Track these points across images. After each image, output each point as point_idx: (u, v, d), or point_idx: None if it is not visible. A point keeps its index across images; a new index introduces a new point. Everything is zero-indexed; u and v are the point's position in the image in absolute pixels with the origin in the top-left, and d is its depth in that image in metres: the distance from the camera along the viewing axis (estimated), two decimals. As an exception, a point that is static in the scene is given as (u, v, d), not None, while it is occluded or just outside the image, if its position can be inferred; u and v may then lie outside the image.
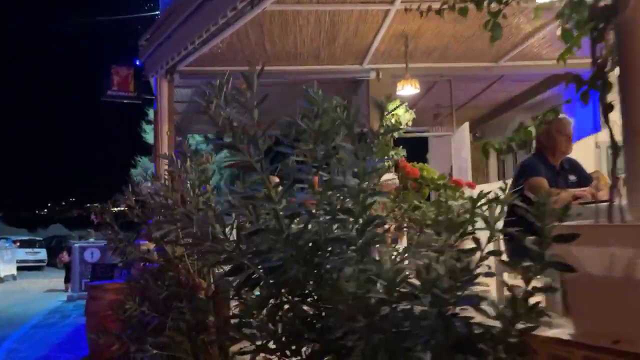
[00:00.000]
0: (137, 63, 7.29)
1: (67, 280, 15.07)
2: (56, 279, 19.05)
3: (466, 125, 7.42)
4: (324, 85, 1.91)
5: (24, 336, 8.14)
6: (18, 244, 23.01)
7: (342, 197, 1.92)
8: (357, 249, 1.86)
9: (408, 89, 6.57)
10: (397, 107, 6.22)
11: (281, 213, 2.02)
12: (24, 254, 23.95)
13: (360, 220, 1.82)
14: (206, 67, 7.13)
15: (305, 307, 2.02)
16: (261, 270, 2.11)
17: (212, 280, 4.52)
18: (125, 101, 7.21)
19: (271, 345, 1.88)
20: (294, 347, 1.94)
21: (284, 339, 1.95)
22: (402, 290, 1.68)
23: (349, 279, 1.86)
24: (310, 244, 2.04)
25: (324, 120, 1.91)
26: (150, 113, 20.35)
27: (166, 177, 5.47)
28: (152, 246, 5.07)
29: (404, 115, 6.38)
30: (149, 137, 19.58)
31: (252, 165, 1.93)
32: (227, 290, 4.63)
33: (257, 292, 2.09)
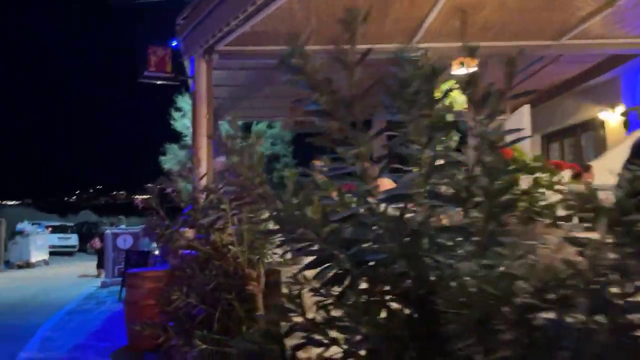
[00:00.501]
0: (174, 43, 7.02)
1: (99, 266, 15.11)
2: (87, 264, 19.21)
3: (526, 108, 6.92)
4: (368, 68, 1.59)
5: (59, 323, 8.03)
6: (50, 229, 23.33)
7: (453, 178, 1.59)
8: (481, 241, 1.49)
9: (462, 69, 6.10)
10: (449, 89, 5.78)
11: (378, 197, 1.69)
12: (56, 239, 24.30)
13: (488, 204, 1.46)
14: (246, 47, 6.80)
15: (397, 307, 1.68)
16: (349, 263, 1.78)
17: (262, 272, 4.23)
18: (161, 82, 6.95)
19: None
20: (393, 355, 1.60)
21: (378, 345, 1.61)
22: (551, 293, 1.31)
23: (466, 277, 1.48)
24: (413, 234, 1.69)
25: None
26: (180, 100, 20.29)
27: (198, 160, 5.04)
28: (192, 234, 4.80)
29: (458, 97, 5.93)
30: (179, 125, 19.48)
31: (346, 137, 1.59)
32: (278, 283, 4.31)
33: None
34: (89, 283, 13.71)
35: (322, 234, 1.82)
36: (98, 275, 15.01)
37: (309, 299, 4.20)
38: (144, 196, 5.35)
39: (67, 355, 6.02)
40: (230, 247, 4.36)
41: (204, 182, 6.23)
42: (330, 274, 1.81)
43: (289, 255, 4.58)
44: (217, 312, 4.19)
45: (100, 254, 15.07)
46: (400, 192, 1.75)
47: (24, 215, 30.34)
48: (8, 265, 19.70)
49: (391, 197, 1.76)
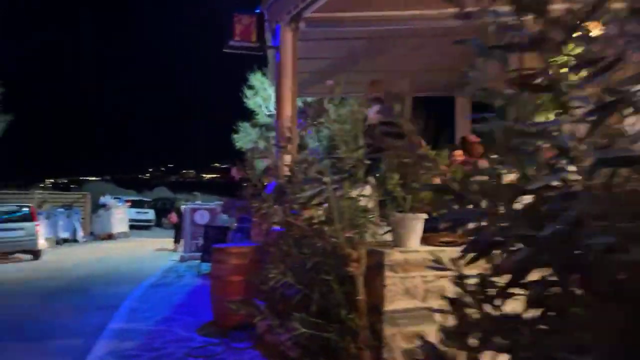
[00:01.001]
0: (258, 10, 6.73)
1: (176, 240, 15.52)
2: (164, 238, 19.89)
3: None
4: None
5: (144, 295, 8.17)
6: (130, 203, 24.36)
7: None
8: None
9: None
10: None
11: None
12: (135, 213, 25.39)
13: None
14: (336, 13, 6.40)
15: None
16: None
17: (363, 252, 3.88)
18: (246, 52, 6.70)
19: None
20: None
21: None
22: None
23: None
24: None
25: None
26: (252, 78, 20.33)
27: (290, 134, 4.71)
28: (282, 210, 4.51)
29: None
30: (251, 103, 19.52)
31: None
32: (380, 266, 3.93)
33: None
34: (166, 256, 14.10)
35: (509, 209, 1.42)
36: (175, 250, 15.43)
37: (420, 285, 3.70)
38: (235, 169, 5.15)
39: (154, 327, 6.03)
40: (327, 224, 4.05)
41: (288, 158, 5.95)
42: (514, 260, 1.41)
43: (389, 237, 4.21)
44: (314, 294, 3.91)
45: (177, 228, 15.46)
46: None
47: (105, 190, 32.06)
48: (92, 236, 20.82)
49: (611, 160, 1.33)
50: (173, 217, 15.54)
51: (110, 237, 20.58)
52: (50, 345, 5.74)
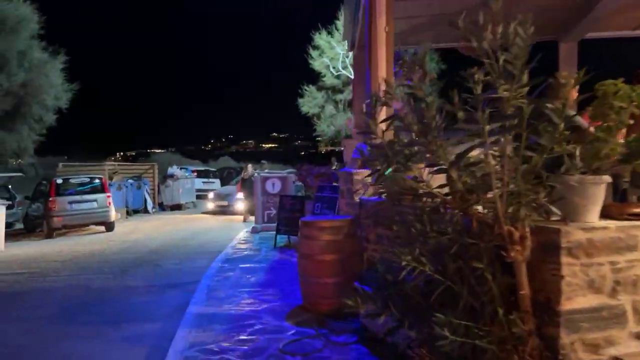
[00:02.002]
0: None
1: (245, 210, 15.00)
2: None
3: None
4: None
5: (220, 271, 7.55)
6: (196, 174, 24.28)
7: None
8: None
9: None
10: None
11: None
12: (201, 183, 25.31)
13: None
14: None
15: None
16: None
17: (527, 231, 2.84)
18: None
19: None
20: None
21: None
22: None
23: None
24: None
25: None
26: (318, 38, 19.16)
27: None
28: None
29: None
30: (317, 64, 18.47)
31: None
32: (554, 248, 2.93)
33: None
34: (237, 227, 13.62)
35: None
36: (244, 220, 14.95)
37: (609, 275, 2.50)
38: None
39: (237, 311, 5.32)
40: (473, 193, 3.02)
41: (382, 114, 4.94)
42: None
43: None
44: (461, 288, 2.94)
45: (245, 198, 14.93)
46: None
47: (172, 160, 32.40)
48: (161, 207, 20.88)
49: None
50: (239, 187, 15.00)
51: (178, 207, 20.54)
52: (125, 330, 5.16)
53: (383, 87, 5.49)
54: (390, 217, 4.50)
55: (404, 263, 2.89)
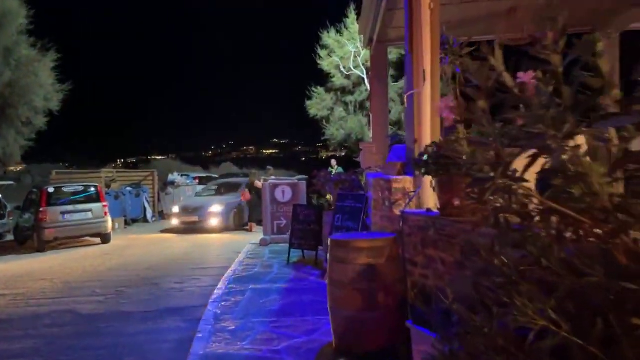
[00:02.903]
0: None
1: (251, 219, 14.05)
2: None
3: None
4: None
5: (228, 295, 6.58)
6: (197, 180, 23.34)
7: None
8: None
9: None
10: None
11: None
12: (203, 190, 24.37)
13: None
14: None
15: None
16: None
17: None
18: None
19: None
20: None
21: None
22: None
23: None
24: None
25: None
26: (325, 37, 18.27)
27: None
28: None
29: None
30: (325, 64, 17.56)
31: None
32: None
33: None
34: (243, 238, 12.65)
35: None
36: (250, 230, 13.99)
37: None
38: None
39: (253, 351, 4.35)
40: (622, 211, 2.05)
41: (427, 107, 4.03)
42: None
43: None
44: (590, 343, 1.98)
45: (250, 206, 13.97)
46: None
47: (172, 167, 31.47)
48: (162, 215, 19.91)
49: None
50: (246, 193, 14.05)
51: (180, 216, 19.58)
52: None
53: (427, 74, 4.52)
54: (449, 235, 3.54)
55: (521, 317, 1.92)
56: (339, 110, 17.49)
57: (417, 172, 4.23)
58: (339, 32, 17.29)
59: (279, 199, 10.96)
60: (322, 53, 17.51)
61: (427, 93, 4.75)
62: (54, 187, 13.10)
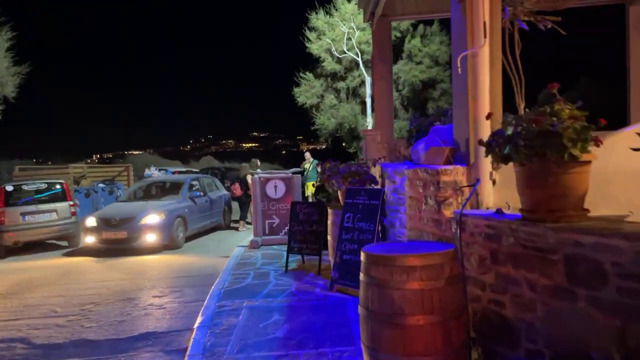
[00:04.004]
0: None
1: (242, 217, 12.80)
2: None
3: None
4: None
5: (219, 314, 5.38)
6: (176, 174, 21.92)
7: None
8: None
9: None
10: None
11: None
12: (183, 186, 22.95)
13: None
14: None
15: None
16: None
17: None
18: None
19: None
20: None
21: None
22: None
23: None
24: None
25: None
26: (314, 19, 16.98)
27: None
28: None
29: None
30: (314, 47, 16.31)
31: None
32: None
33: None
34: (230, 239, 11.40)
35: None
36: (239, 229, 12.74)
37: None
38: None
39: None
40: None
41: (484, 74, 2.91)
42: None
43: None
44: None
45: (241, 203, 12.71)
46: None
47: (150, 161, 29.93)
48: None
49: None
50: (237, 188, 12.76)
51: (158, 214, 18.18)
52: None
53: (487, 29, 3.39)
54: (543, 248, 2.43)
55: None
56: (330, 98, 16.30)
57: (489, 158, 3.08)
58: (328, 13, 16.07)
59: (271, 195, 9.74)
60: (311, 36, 16.25)
61: (485, 55, 3.60)
62: (13, 185, 11.64)
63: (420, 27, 16.33)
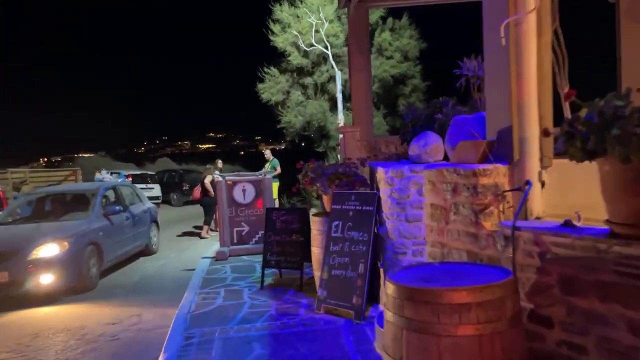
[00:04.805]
0: None
1: (206, 222, 11.76)
2: (178, 220, 16.22)
3: None
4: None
5: (185, 352, 4.43)
6: (131, 179, 20.54)
7: None
8: None
9: None
10: None
11: None
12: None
13: None
14: None
15: None
16: None
17: None
18: None
19: None
20: None
21: None
22: None
23: None
24: None
25: None
26: (278, 11, 16.10)
27: None
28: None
29: None
30: (279, 41, 15.37)
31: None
32: None
33: None
34: (194, 248, 10.37)
35: None
36: (203, 236, 11.68)
37: None
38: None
39: None
40: None
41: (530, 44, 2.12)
42: None
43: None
44: None
45: (205, 207, 11.67)
46: None
47: (101, 164, 28.18)
48: (89, 222, 17.07)
49: None
50: (197, 191, 11.72)
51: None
52: None
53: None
54: None
55: None
56: (297, 94, 15.41)
57: (536, 155, 2.32)
58: (293, 4, 15.22)
59: (239, 200, 8.79)
60: (276, 28, 15.35)
61: (531, 23, 2.85)
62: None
63: (390, 20, 15.74)
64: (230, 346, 4.42)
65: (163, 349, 4.48)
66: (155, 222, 10.55)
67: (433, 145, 4.87)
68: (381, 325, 4.20)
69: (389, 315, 2.44)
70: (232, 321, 5.12)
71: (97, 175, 17.87)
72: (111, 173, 19.23)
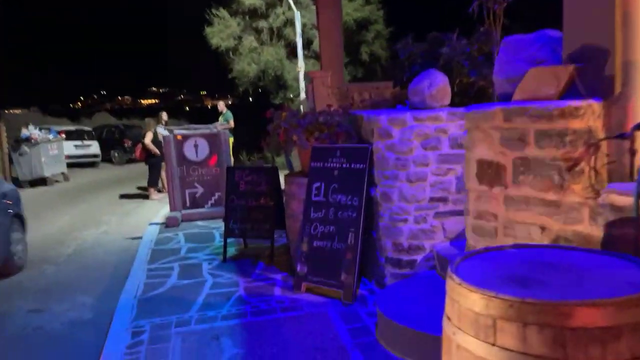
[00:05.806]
0: None
1: (151, 183, 10.57)
2: (120, 180, 14.85)
3: None
4: None
5: (135, 347, 3.47)
6: (64, 135, 18.68)
7: None
8: None
9: None
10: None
11: None
12: (73, 147, 19.79)
13: None
14: None
15: None
16: None
17: None
18: None
19: None
20: None
21: None
22: None
23: None
24: None
25: None
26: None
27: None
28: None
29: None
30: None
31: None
32: None
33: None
34: (139, 213, 9.19)
35: None
36: (149, 197, 10.49)
37: None
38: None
39: None
40: None
41: None
42: None
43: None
44: None
45: (150, 166, 10.42)
46: None
47: (29, 120, 25.69)
48: (16, 182, 15.33)
49: None
50: (138, 150, 10.46)
51: (42, 181, 15.21)
52: None
53: None
54: None
55: None
56: (250, 40, 14.04)
57: None
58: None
59: (191, 158, 7.66)
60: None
61: None
62: None
63: (350, -42, 14.48)
64: (192, 344, 3.48)
65: (102, 352, 3.48)
66: (19, 217, 6.19)
67: (440, 86, 3.98)
68: (384, 310, 3.38)
69: (462, 339, 1.56)
70: (192, 307, 4.17)
71: (24, 132, 15.99)
72: (40, 129, 17.30)
